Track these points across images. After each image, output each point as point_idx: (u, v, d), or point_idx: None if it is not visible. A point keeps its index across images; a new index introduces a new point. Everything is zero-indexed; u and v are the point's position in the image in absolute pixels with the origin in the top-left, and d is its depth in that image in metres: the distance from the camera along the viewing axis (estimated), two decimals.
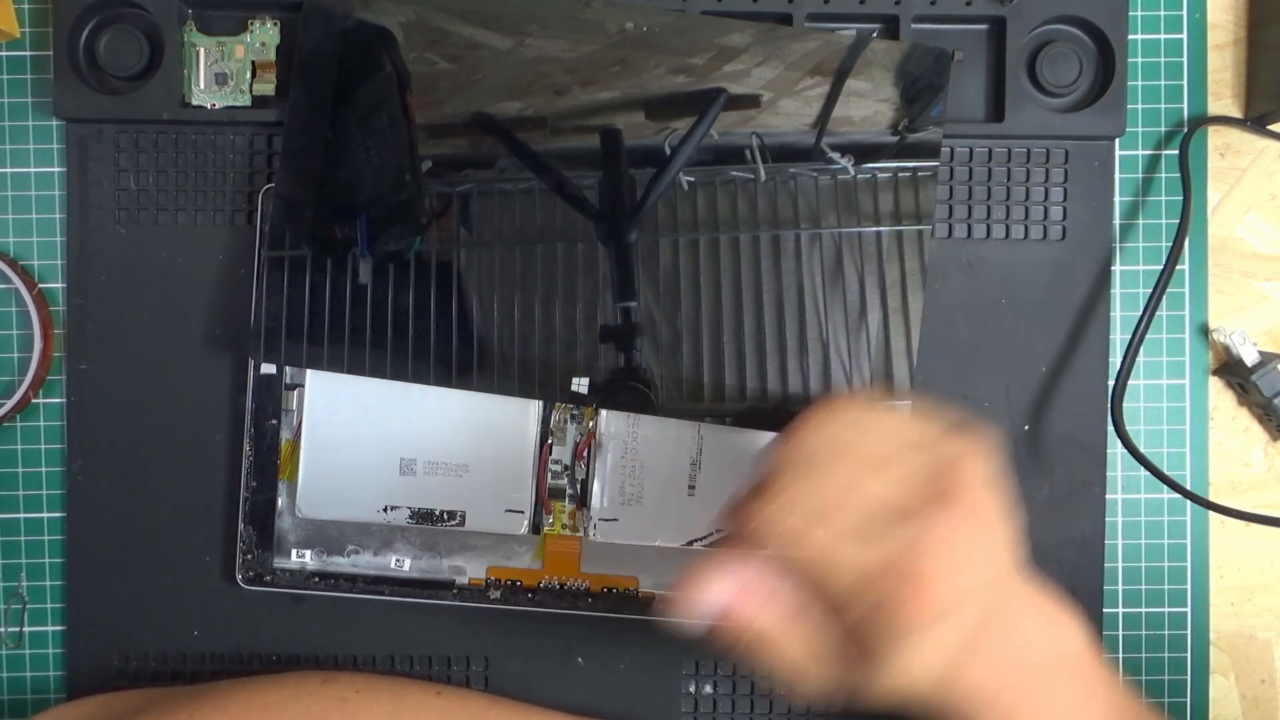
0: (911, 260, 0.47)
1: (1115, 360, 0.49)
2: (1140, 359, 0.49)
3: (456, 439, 0.47)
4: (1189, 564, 0.50)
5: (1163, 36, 0.50)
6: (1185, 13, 0.50)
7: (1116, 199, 0.50)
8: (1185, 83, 0.50)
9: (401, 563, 0.48)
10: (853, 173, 0.47)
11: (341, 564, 0.48)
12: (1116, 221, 0.50)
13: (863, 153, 0.47)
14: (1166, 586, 0.50)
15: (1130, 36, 0.49)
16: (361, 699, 0.39)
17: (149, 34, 0.48)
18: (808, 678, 0.34)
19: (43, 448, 0.50)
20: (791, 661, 0.34)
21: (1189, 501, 0.50)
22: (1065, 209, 0.49)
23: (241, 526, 0.48)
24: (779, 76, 0.47)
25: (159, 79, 0.48)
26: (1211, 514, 0.50)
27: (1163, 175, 0.50)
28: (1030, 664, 0.35)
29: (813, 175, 0.47)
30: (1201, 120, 0.50)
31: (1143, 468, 0.46)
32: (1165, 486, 0.47)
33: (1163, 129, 0.50)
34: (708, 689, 0.49)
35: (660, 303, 0.46)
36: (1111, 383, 0.48)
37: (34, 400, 0.49)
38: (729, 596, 0.34)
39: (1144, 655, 0.50)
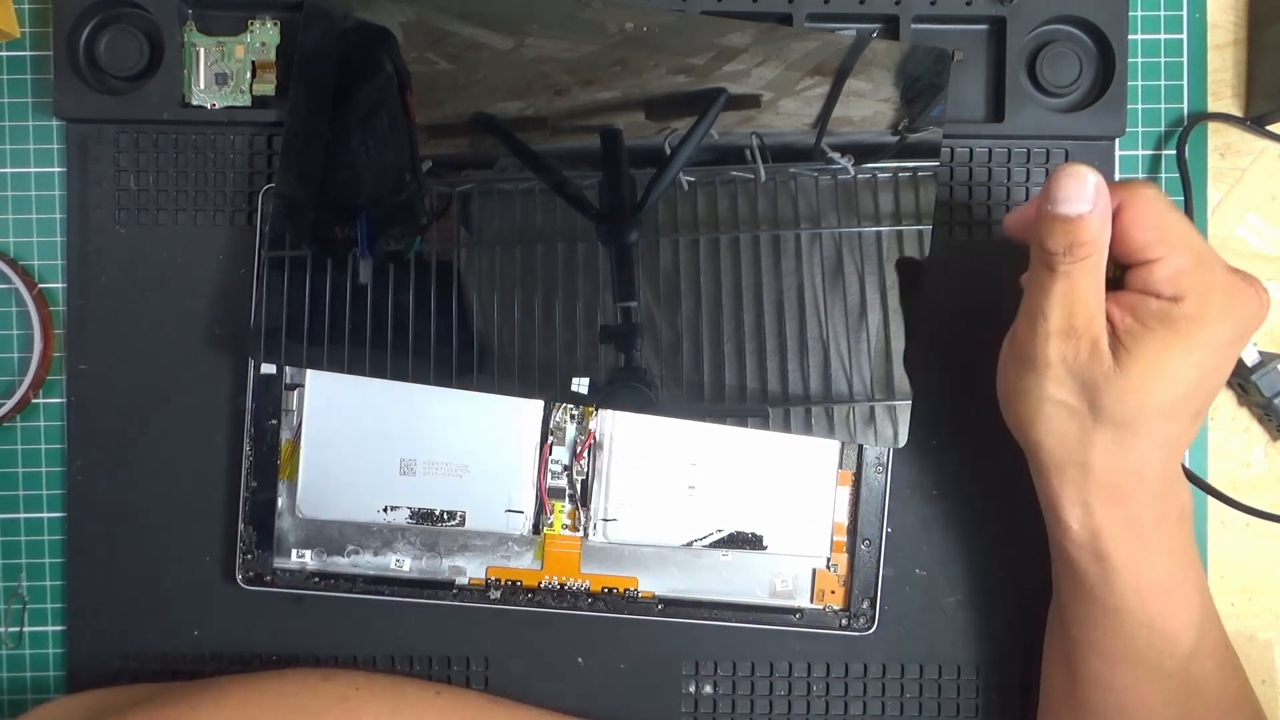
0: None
1: None
2: None
3: (456, 439, 0.47)
4: None
5: (1163, 36, 0.50)
6: (1185, 13, 0.50)
7: None
8: (1185, 83, 0.50)
9: (401, 563, 0.48)
10: (853, 173, 0.47)
11: (341, 564, 0.48)
12: None
13: (863, 153, 0.47)
14: None
15: (1130, 36, 0.49)
16: (361, 696, 0.39)
17: (149, 34, 0.48)
18: (1064, 324, 0.37)
19: (43, 448, 0.50)
20: (1073, 299, 0.37)
21: None
22: None
23: (241, 526, 0.48)
24: (779, 76, 0.47)
25: (159, 79, 0.48)
26: (1211, 514, 0.50)
27: (1163, 175, 0.50)
28: (1161, 514, 0.38)
29: (813, 175, 0.47)
30: (1200, 116, 0.50)
31: None
32: None
33: (1163, 129, 0.50)
34: (708, 689, 0.49)
35: (660, 303, 0.46)
36: None
37: (34, 400, 0.49)
38: (1100, 204, 0.36)
39: None
